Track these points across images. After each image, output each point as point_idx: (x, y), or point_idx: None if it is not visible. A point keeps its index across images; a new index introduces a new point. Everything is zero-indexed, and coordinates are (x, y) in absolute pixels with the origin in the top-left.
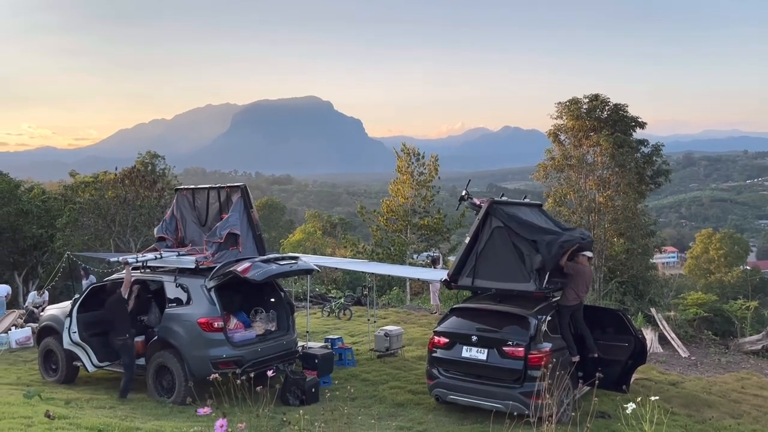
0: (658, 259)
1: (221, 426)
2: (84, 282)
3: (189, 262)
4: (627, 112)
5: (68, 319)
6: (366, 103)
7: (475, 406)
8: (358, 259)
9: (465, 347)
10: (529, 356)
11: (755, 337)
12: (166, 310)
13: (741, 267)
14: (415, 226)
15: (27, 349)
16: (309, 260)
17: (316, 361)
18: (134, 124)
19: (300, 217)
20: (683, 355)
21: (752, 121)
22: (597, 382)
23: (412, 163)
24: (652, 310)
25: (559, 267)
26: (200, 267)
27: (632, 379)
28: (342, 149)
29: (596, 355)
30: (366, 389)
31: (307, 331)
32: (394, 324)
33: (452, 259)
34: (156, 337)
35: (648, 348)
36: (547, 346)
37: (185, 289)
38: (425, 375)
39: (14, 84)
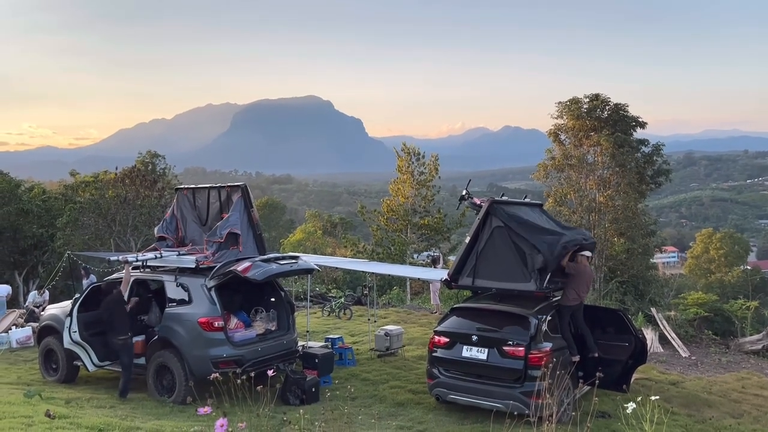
0: (658, 258)
1: (222, 425)
2: (84, 281)
3: (189, 261)
4: (627, 111)
5: (68, 318)
6: (366, 103)
7: (476, 405)
8: (359, 258)
9: (465, 347)
10: (530, 356)
11: (755, 336)
12: (167, 309)
13: (741, 267)
14: (416, 226)
15: (27, 349)
16: (309, 260)
17: (317, 360)
18: (135, 124)
19: (300, 216)
20: (683, 355)
21: (753, 121)
22: (597, 381)
23: (413, 162)
24: (653, 309)
25: (561, 267)
26: (201, 266)
27: (632, 379)
28: (342, 149)
29: (596, 355)
30: (366, 389)
31: (308, 331)
32: (395, 323)
33: (452, 258)
34: (156, 337)
35: (648, 348)
36: (547, 346)
37: (186, 289)
38: (425, 374)
39: (15, 83)
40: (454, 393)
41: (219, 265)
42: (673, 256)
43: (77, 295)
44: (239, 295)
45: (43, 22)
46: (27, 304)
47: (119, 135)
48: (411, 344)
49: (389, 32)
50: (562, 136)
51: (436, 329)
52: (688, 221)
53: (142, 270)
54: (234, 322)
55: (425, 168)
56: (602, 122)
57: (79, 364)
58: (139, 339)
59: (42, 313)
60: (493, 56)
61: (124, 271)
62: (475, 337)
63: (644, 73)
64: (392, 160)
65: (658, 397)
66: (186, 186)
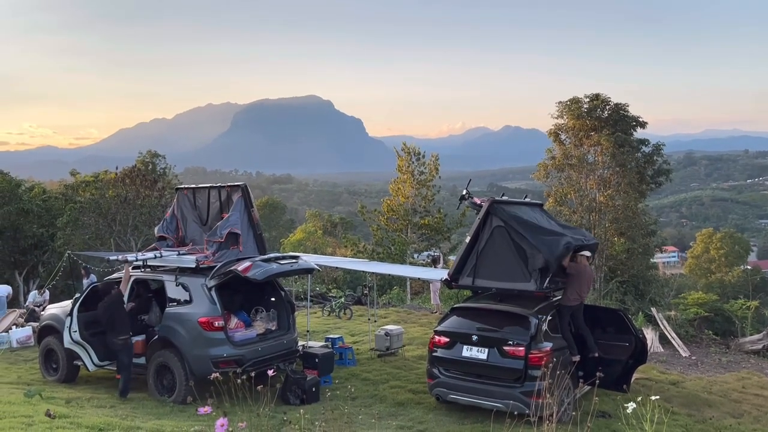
0: (658, 258)
1: (222, 425)
2: (85, 281)
3: (189, 261)
4: (628, 111)
5: (69, 318)
6: (366, 103)
7: (476, 405)
8: (359, 258)
9: (465, 347)
10: (530, 356)
11: (756, 336)
12: (167, 309)
13: (741, 266)
14: (416, 226)
15: (28, 349)
16: (309, 259)
17: (317, 360)
18: (135, 124)
19: (300, 216)
20: (684, 355)
21: (753, 121)
22: (597, 381)
23: (413, 162)
24: (653, 309)
25: (562, 267)
26: (201, 266)
27: (633, 379)
28: (342, 148)
29: (597, 355)
30: (366, 388)
31: (308, 331)
32: (395, 323)
33: (453, 258)
34: (156, 337)
35: (648, 347)
36: (547, 346)
37: (186, 289)
38: (426, 374)
39: (15, 83)
40: (454, 393)
41: (219, 264)
42: (674, 256)
43: (77, 295)
44: (239, 294)
45: (43, 22)
46: (27, 303)
47: (119, 135)
48: (411, 344)
49: (389, 32)
50: (563, 136)
51: (436, 329)
52: (688, 221)
53: (142, 270)
54: (234, 321)
55: (425, 168)
56: (602, 122)
57: (80, 363)
58: (139, 339)
59: (42, 312)
60: (493, 56)
61: (123, 271)
62: (475, 337)
63: (644, 73)
64: (392, 159)
65: (658, 397)
66: (186, 186)
